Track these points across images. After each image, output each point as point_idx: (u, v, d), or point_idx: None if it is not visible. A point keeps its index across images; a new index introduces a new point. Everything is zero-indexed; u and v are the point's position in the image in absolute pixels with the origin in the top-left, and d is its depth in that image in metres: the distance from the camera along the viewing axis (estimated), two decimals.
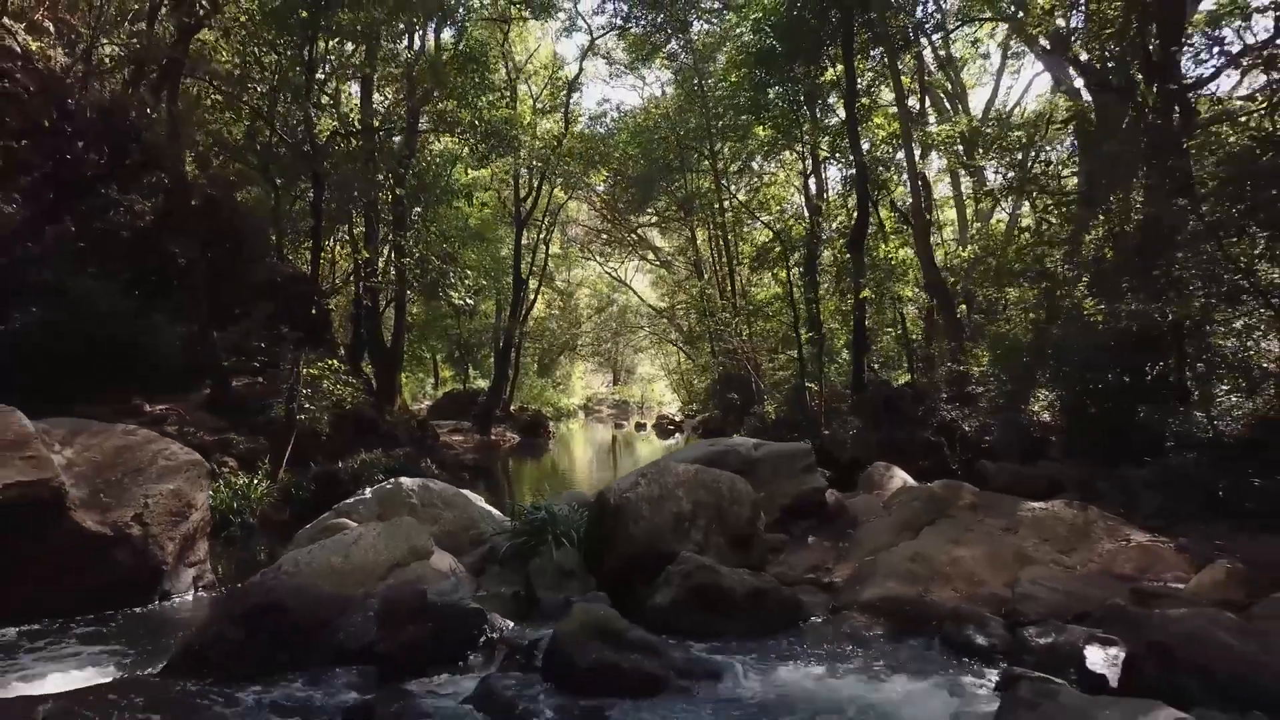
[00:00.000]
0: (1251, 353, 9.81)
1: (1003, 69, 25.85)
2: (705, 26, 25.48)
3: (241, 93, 12.90)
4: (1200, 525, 7.06)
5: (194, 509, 7.01)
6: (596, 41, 25.84)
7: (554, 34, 27.65)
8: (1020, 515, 6.61)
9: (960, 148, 24.22)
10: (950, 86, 24.90)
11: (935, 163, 21.91)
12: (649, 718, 3.44)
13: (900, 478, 8.39)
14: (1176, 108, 11.23)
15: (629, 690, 3.69)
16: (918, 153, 17.84)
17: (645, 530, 5.28)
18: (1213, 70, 11.60)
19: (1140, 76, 12.35)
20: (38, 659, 4.99)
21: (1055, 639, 3.94)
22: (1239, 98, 10.60)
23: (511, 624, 4.78)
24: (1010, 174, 14.34)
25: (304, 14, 12.59)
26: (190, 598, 6.73)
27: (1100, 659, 3.53)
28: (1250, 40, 11.07)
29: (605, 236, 34.71)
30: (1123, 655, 3.56)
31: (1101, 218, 12.00)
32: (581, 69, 25.95)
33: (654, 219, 33.02)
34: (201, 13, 11.57)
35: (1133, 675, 3.32)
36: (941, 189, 23.89)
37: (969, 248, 17.68)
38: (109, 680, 4.27)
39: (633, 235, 33.81)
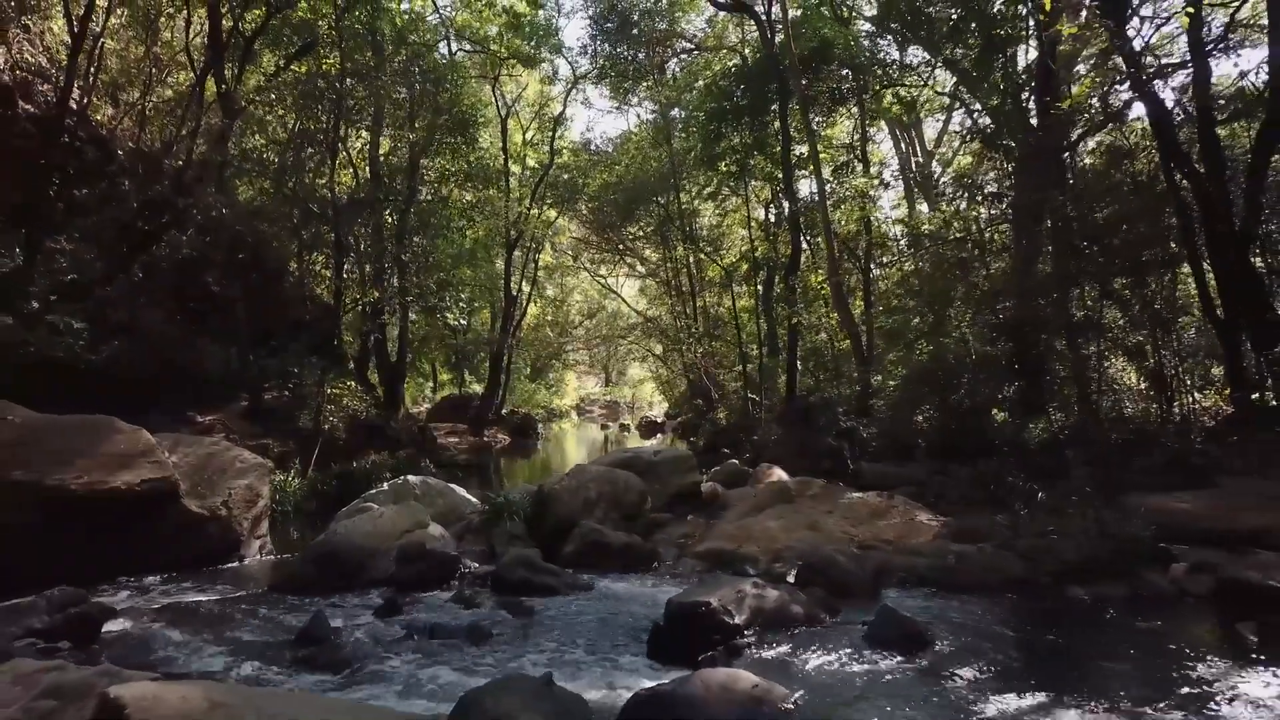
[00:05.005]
0: (1062, 378, 12.68)
1: (955, 99, 28.30)
2: (678, 70, 28.21)
3: (282, 179, 15.73)
4: (975, 509, 9.85)
5: (260, 498, 9.74)
6: (580, 83, 28.68)
7: (539, 77, 30.44)
8: (841, 501, 9.35)
9: (915, 174, 26.98)
10: (904, 118, 27.58)
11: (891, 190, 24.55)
12: (544, 603, 6.32)
13: (777, 474, 11.17)
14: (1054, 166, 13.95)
15: (537, 593, 6.57)
16: (848, 194, 20.63)
17: (565, 509, 8.19)
18: (1077, 136, 14.59)
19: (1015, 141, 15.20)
20: (177, 591, 7.76)
21: (786, 568, 6.80)
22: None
23: (478, 565, 7.67)
24: (958, 196, 16.86)
25: (327, 93, 15.46)
26: (258, 560, 9.15)
27: (794, 575, 6.43)
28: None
29: (592, 249, 37.30)
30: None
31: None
32: (566, 104, 28.96)
33: (636, 234, 35.58)
34: (240, 107, 14.41)
35: (797, 579, 6.23)
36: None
37: (916, 263, 20.32)
38: (234, 595, 7.14)
39: (619, 246, 36.35)
